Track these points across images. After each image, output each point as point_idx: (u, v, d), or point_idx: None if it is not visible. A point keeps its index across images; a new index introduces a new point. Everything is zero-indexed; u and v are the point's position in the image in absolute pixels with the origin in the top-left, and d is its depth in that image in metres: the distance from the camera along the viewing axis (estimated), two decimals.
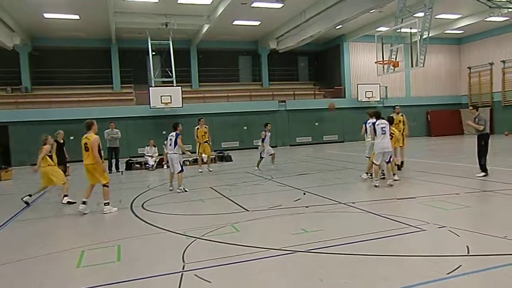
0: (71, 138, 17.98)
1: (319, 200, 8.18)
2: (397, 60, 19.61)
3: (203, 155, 14.29)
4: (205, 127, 14.58)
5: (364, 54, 28.85)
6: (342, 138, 27.64)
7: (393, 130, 10.25)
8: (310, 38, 24.28)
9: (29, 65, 24.08)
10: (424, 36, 18.30)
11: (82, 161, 8.16)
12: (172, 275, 4.44)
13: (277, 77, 29.73)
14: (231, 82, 28.52)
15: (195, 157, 15.51)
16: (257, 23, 23.52)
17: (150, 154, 16.91)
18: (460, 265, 4.27)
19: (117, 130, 15.91)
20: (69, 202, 9.08)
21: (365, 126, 10.95)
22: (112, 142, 15.59)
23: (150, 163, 16.34)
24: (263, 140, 13.75)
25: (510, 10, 20.72)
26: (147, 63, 25.17)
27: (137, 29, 22.53)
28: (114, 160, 15.67)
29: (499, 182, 9.23)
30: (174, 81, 23.43)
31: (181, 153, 10.44)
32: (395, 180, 9.78)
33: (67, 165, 13.59)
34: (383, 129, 9.44)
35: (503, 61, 27.30)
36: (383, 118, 9.80)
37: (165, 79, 23.84)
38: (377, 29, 23.68)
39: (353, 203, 7.69)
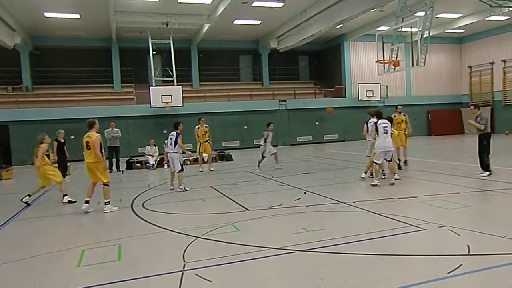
0: (72, 137, 17.99)
1: (319, 199, 8.18)
2: (397, 59, 19.57)
3: (204, 154, 14.29)
4: (206, 127, 14.57)
5: (364, 53, 28.82)
6: (343, 138, 27.63)
7: (393, 130, 10.30)
8: (310, 37, 24.27)
9: (30, 64, 24.09)
10: (425, 35, 18.27)
11: (83, 160, 8.18)
12: (173, 274, 4.44)
13: (278, 76, 29.72)
14: (232, 82, 28.52)
15: (195, 157, 15.52)
16: (257, 22, 23.50)
17: (150, 154, 16.93)
18: (461, 265, 4.26)
19: (118, 129, 15.91)
20: (69, 201, 9.10)
21: (367, 125, 10.96)
22: (112, 141, 15.59)
23: (151, 162, 16.35)
24: (265, 140, 13.76)
25: (511, 9, 20.67)
26: (147, 62, 25.14)
27: (138, 28, 22.52)
28: (115, 159, 15.67)
29: (500, 181, 9.23)
30: (175, 81, 23.42)
31: (181, 152, 10.45)
32: (396, 179, 9.79)
33: (68, 164, 13.61)
34: (385, 128, 9.54)
35: (504, 61, 27.26)
36: (384, 118, 9.85)
37: (165, 79, 23.82)
38: (378, 28, 23.66)
39: (354, 202, 7.69)
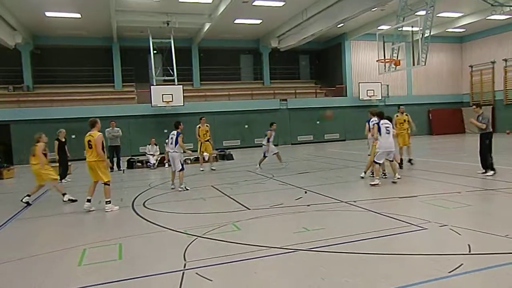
0: (73, 136, 18.00)
1: (320, 198, 8.18)
2: (398, 58, 19.53)
3: (205, 153, 14.30)
4: (207, 126, 14.58)
5: (365, 53, 28.79)
6: (344, 137, 27.62)
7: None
8: (311, 37, 24.24)
9: (31, 64, 24.08)
10: (426, 35, 18.25)
11: (84, 159, 8.20)
12: (174, 274, 4.45)
13: (279, 75, 29.70)
14: (233, 81, 28.51)
15: (196, 156, 15.52)
16: (258, 21, 23.49)
17: (151, 153, 16.95)
18: (462, 264, 4.26)
19: (118, 128, 15.93)
20: (70, 200, 9.12)
21: (368, 124, 10.95)
22: (113, 141, 15.60)
23: (152, 162, 16.36)
24: (268, 140, 13.76)
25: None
26: (148, 62, 25.13)
27: (139, 27, 22.51)
28: (116, 158, 15.68)
29: (501, 180, 9.22)
30: (176, 80, 23.42)
31: (182, 152, 10.45)
32: (398, 178, 9.79)
33: (69, 163, 13.63)
34: (388, 128, 9.62)
35: (505, 60, 27.21)
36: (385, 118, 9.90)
37: (166, 78, 23.82)
38: (379, 28, 23.62)
39: (355, 201, 7.69)
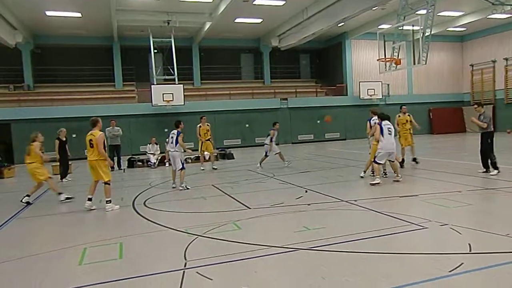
0: (74, 136, 18.00)
1: (321, 197, 8.17)
2: (399, 57, 19.52)
3: (205, 152, 14.31)
4: (207, 125, 14.58)
5: (366, 52, 28.74)
6: (344, 136, 27.61)
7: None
8: (312, 36, 24.21)
9: (31, 63, 24.09)
10: (427, 34, 18.24)
11: (84, 158, 8.21)
12: (174, 273, 4.45)
13: (279, 74, 29.68)
14: (233, 80, 28.49)
15: (197, 155, 15.52)
16: (259, 20, 23.47)
17: (152, 152, 16.94)
18: (462, 263, 4.26)
19: (118, 127, 15.93)
20: (67, 198, 9.13)
21: (370, 123, 10.94)
22: (113, 140, 15.60)
23: (152, 161, 16.36)
24: (271, 139, 13.76)
25: None
26: (149, 61, 25.13)
27: (139, 26, 22.50)
28: (116, 157, 15.68)
29: (501, 180, 9.21)
30: (176, 79, 23.43)
31: (183, 151, 10.45)
32: (399, 178, 9.79)
33: (69, 162, 13.63)
34: (389, 129, 9.65)
35: (506, 59, 27.18)
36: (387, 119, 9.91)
37: (167, 77, 23.82)
38: (379, 27, 23.58)
39: (355, 200, 7.68)
